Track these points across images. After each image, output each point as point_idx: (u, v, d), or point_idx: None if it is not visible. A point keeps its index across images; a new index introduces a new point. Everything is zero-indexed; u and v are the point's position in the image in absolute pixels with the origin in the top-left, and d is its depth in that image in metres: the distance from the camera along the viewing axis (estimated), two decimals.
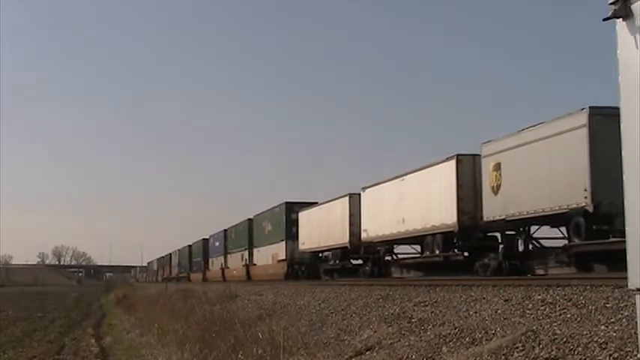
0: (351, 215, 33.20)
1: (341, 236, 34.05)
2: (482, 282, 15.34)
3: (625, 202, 5.26)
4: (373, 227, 30.62)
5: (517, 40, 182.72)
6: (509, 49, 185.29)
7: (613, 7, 5.28)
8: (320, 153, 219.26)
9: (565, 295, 10.46)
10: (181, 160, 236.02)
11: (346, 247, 33.86)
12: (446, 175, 24.43)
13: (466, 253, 24.33)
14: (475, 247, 23.82)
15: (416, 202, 26.61)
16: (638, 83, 5.09)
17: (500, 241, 23.27)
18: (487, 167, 22.30)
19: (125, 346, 18.63)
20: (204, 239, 70.42)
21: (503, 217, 21.45)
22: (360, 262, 34.06)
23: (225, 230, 60.28)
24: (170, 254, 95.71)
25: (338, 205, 35.10)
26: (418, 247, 28.55)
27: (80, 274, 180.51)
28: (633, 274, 5.14)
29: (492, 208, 21.94)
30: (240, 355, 11.25)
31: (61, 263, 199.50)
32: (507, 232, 22.62)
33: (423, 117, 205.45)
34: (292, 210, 41.86)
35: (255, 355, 11.02)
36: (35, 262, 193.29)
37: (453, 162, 24.08)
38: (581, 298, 9.96)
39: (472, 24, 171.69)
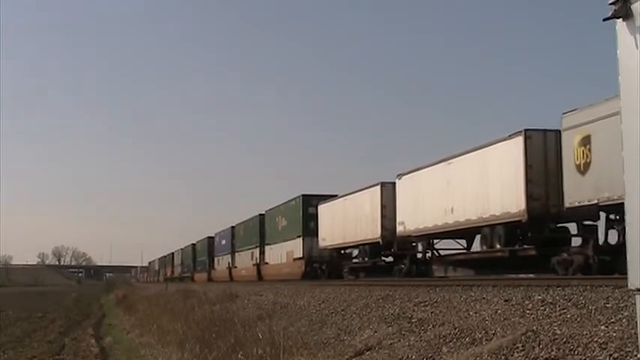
0: (383, 207, 29.36)
1: (371, 231, 30.23)
2: (482, 282, 15.33)
3: (625, 202, 5.26)
4: (412, 219, 26.70)
5: (517, 40, 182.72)
6: (509, 49, 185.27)
7: (613, 7, 5.28)
8: (320, 153, 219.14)
9: (565, 295, 10.47)
10: (181, 159, 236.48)
11: (377, 243, 30.02)
12: (509, 154, 20.85)
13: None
14: (547, 240, 20.20)
15: (468, 188, 22.84)
16: (638, 83, 5.08)
17: (577, 231, 19.48)
18: (570, 142, 18.65)
19: (125, 346, 18.60)
20: (209, 237, 66.85)
21: (595, 201, 17.64)
22: (390, 259, 30.49)
23: (233, 227, 56.41)
24: (172, 253, 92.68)
25: (367, 195, 31.01)
26: (463, 242, 25.50)
27: (80, 275, 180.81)
28: (633, 274, 5.13)
29: (579, 192, 18.26)
30: (240, 355, 11.23)
31: (61, 263, 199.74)
32: (586, 222, 18.95)
33: (423, 116, 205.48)
34: (310, 203, 37.82)
35: (255, 355, 11.01)
36: (35, 263, 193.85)
37: (520, 138, 20.31)
38: (581, 298, 9.96)
39: (472, 24, 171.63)
